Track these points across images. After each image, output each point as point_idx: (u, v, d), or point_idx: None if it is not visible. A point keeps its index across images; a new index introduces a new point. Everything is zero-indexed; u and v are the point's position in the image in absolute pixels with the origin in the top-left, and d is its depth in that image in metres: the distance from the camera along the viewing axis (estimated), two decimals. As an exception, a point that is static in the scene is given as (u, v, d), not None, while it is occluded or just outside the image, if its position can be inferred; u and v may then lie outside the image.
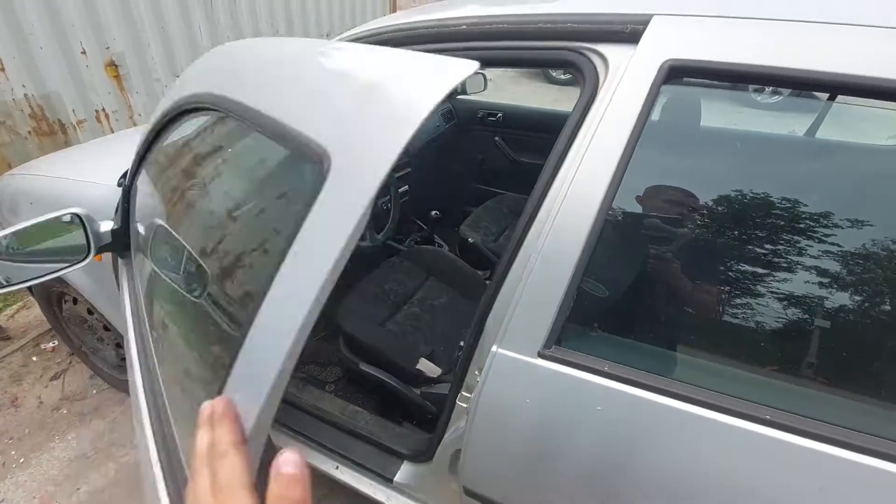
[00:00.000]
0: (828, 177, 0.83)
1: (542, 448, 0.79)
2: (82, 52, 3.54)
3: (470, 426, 0.82)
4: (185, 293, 0.69)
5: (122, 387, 1.89)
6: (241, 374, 0.44)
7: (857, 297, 0.68)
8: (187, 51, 4.43)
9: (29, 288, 1.80)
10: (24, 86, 3.15)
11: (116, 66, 3.88)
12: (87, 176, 1.50)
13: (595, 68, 0.72)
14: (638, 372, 0.71)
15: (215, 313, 0.60)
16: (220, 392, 0.45)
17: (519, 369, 0.78)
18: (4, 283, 0.91)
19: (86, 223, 0.97)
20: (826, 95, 1.20)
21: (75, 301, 1.70)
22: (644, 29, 0.69)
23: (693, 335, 0.80)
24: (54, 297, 1.75)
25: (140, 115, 4.13)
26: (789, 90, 1.07)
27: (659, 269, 0.83)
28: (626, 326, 0.84)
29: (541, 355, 0.77)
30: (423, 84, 0.37)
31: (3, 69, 3.02)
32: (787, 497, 0.63)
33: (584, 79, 0.72)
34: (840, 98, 1.17)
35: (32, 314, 2.33)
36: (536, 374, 0.77)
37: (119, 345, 1.72)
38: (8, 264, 0.90)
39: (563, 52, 0.74)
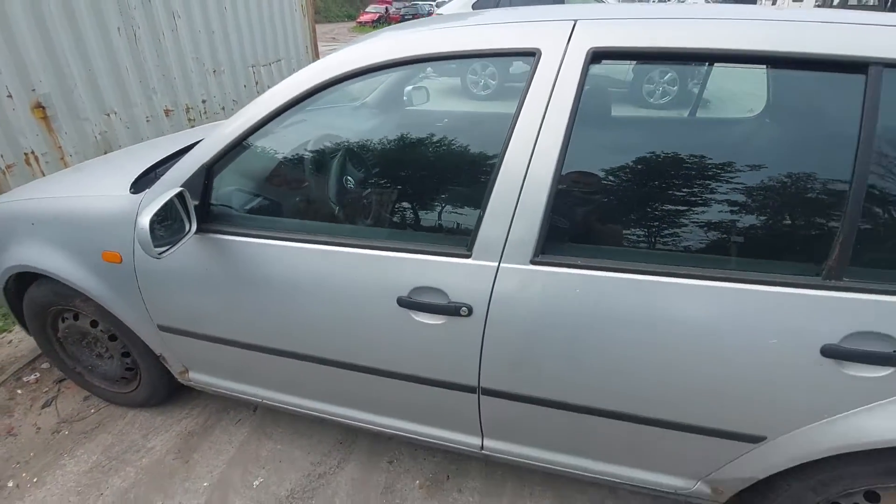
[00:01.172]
0: (693, 136, 1.25)
1: (540, 323, 1.11)
2: (8, 96, 3.48)
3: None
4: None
5: (123, 401, 1.96)
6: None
7: (700, 203, 1.08)
8: (115, 89, 4.42)
9: (18, 316, 1.85)
10: (-52, 132, 3.05)
11: (44, 108, 3.82)
12: (84, 191, 1.62)
13: (542, 55, 1.07)
14: (593, 261, 1.07)
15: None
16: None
17: (519, 272, 1.10)
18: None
19: (187, 200, 1.16)
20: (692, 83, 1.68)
21: (76, 317, 1.77)
22: (572, 31, 1.06)
23: (620, 235, 1.16)
24: (50, 317, 1.80)
25: (71, 155, 4.05)
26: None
27: (596, 200, 1.19)
28: (583, 237, 1.19)
29: (532, 262, 1.10)
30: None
31: (-79, 116, 2.92)
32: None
33: (539, 60, 1.07)
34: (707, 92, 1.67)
35: (8, 350, 2.29)
36: (530, 275, 1.09)
37: (125, 353, 1.81)
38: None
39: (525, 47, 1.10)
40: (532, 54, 1.08)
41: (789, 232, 1.05)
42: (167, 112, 5.04)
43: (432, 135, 1.46)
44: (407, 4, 30.40)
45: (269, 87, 5.25)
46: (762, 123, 1.53)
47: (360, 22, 25.89)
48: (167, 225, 1.23)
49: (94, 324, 1.77)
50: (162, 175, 1.45)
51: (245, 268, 1.33)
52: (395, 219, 1.39)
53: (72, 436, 1.87)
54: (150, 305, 1.52)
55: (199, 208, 1.32)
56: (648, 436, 1.18)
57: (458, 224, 1.25)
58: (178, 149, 1.92)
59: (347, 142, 1.58)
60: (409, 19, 26.14)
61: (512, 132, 1.08)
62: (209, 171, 1.32)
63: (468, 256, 1.14)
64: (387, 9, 26.64)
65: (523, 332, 1.14)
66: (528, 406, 1.24)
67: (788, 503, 1.20)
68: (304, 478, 1.69)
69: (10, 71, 3.43)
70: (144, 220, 1.13)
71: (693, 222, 1.09)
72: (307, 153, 1.52)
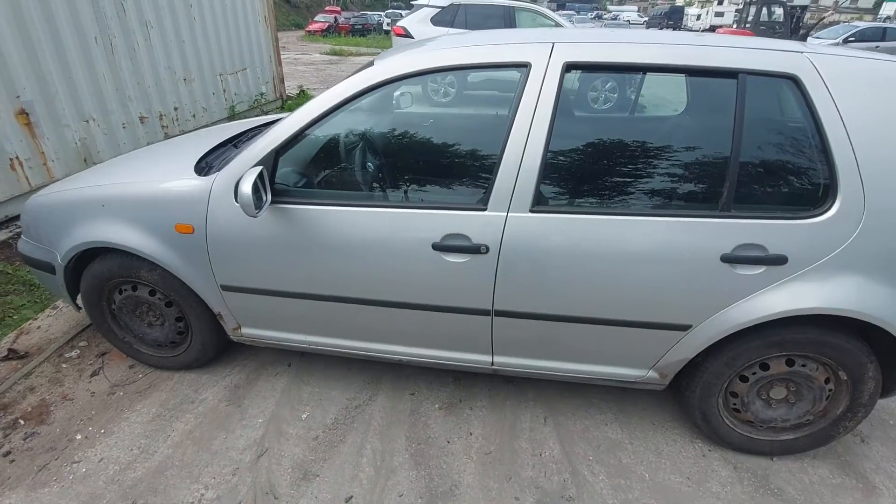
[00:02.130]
0: (635, 127, 1.77)
1: (537, 254, 1.58)
2: None
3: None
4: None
5: (170, 364, 2.24)
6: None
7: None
8: (93, 97, 4.57)
9: (71, 294, 2.11)
10: (-63, 139, 3.17)
11: (27, 115, 3.94)
12: (148, 177, 1.94)
13: (533, 67, 1.55)
14: (570, 208, 1.56)
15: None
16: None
17: (522, 218, 1.56)
18: None
19: (264, 176, 1.53)
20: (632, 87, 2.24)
21: (135, 287, 2.06)
22: (552, 50, 1.55)
23: (589, 191, 1.65)
24: (108, 290, 2.07)
25: (53, 160, 4.18)
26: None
27: (571, 169, 1.67)
28: (564, 194, 1.66)
29: (530, 211, 1.56)
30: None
31: (-85, 122, 3.04)
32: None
33: (530, 71, 1.54)
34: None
35: (39, 334, 2.49)
36: (529, 220, 1.56)
37: (179, 318, 2.10)
38: None
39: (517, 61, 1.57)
40: (525, 66, 1.56)
41: (699, 184, 1.58)
42: (142, 119, 5.19)
43: (450, 127, 1.91)
44: (356, 14, 30.71)
45: (235, 95, 5.62)
46: (683, 117, 2.09)
47: (308, 31, 25.88)
48: (260, 196, 1.60)
49: (152, 293, 2.06)
50: (225, 161, 1.81)
51: (305, 230, 1.71)
52: (429, 186, 1.81)
53: (127, 396, 2.14)
54: (216, 268, 1.85)
55: (271, 183, 1.69)
56: (615, 335, 1.67)
57: (476, 187, 1.68)
58: (214, 144, 2.25)
59: (384, 132, 2.01)
60: (359, 29, 26.46)
61: (513, 119, 1.55)
62: (278, 153, 1.69)
63: (484, 210, 1.59)
64: (336, 18, 26.81)
65: (525, 263, 1.60)
66: (528, 321, 1.70)
67: (711, 378, 1.72)
68: (343, 409, 2.06)
69: None
70: (247, 189, 1.50)
71: (638, 181, 1.61)
72: (350, 141, 1.93)
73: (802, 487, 1.76)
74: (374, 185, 1.90)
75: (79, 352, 2.39)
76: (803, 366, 1.66)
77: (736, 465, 1.84)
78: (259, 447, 1.89)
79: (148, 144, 4.54)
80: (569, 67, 1.54)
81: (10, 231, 3.79)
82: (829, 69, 1.45)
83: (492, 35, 1.77)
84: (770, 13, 15.99)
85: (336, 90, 1.68)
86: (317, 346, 2.00)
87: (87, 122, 4.50)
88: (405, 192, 1.84)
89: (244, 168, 1.70)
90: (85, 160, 4.43)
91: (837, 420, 1.73)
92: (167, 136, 5.48)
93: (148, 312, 2.14)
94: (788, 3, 15.62)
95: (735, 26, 17.40)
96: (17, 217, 3.88)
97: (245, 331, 2.05)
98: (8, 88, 3.71)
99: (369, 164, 1.89)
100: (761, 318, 1.52)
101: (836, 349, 1.57)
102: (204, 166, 1.96)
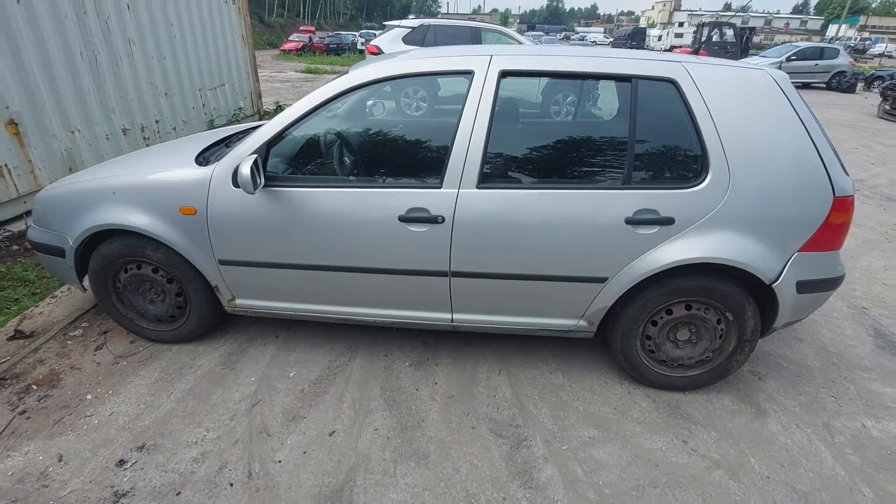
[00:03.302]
0: (558, 124, 2.19)
1: (482, 223, 1.95)
2: None
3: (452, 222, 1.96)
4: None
5: (168, 337, 2.51)
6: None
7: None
8: (79, 109, 4.82)
9: (80, 275, 2.38)
10: (-71, 147, 3.38)
11: (16, 125, 4.16)
12: (153, 169, 2.25)
13: (475, 74, 1.95)
14: (506, 185, 1.95)
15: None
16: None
17: (470, 193, 1.94)
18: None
19: (258, 163, 1.87)
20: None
21: (139, 266, 2.34)
22: (490, 61, 1.96)
23: (524, 171, 2.05)
24: (114, 269, 2.35)
25: (40, 169, 4.40)
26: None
27: (508, 154, 2.07)
28: (502, 175, 2.05)
29: (477, 187, 1.95)
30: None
31: None
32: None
33: (473, 77, 1.94)
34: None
35: (42, 319, 2.72)
36: (476, 194, 1.94)
37: (179, 293, 2.39)
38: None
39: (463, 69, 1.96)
40: (470, 73, 1.97)
41: (606, 163, 1.99)
42: (125, 131, 5.44)
43: (413, 126, 2.29)
44: (331, 34, 31.27)
45: (214, 109, 6.02)
46: (602, 116, 2.54)
47: (283, 50, 26.27)
48: (255, 178, 1.93)
49: (154, 270, 2.35)
50: (221, 155, 2.14)
51: (292, 208, 2.05)
52: (395, 171, 2.18)
53: (130, 365, 2.40)
54: (215, 244, 2.16)
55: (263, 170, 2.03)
56: (549, 289, 2.05)
57: (432, 170, 2.05)
58: (208, 144, 2.58)
59: (359, 131, 2.39)
60: (333, 48, 26.99)
61: (461, 115, 1.94)
62: (269, 145, 2.04)
63: (440, 187, 1.97)
64: (310, 38, 27.31)
65: (474, 229, 1.97)
66: (479, 280, 2.07)
67: (628, 322, 2.12)
68: (326, 368, 2.38)
69: None
70: (246, 171, 1.84)
71: (560, 162, 2.02)
72: (330, 137, 2.29)
73: (707, 413, 2.16)
74: (351, 170, 2.26)
75: (82, 331, 2.63)
76: (699, 309, 2.07)
77: (654, 398, 2.23)
78: (252, 398, 2.18)
79: (133, 153, 4.77)
80: (504, 74, 1.95)
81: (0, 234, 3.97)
82: (700, 74, 1.90)
83: (444, 49, 2.18)
84: (722, 34, 17.25)
85: (317, 93, 2.04)
86: (302, 312, 2.32)
87: (73, 132, 4.73)
88: (376, 175, 2.20)
89: (241, 158, 2.03)
90: (70, 168, 4.64)
91: (731, 355, 2.14)
92: (148, 147, 5.72)
93: (150, 290, 2.42)
94: (738, 25, 16.89)
95: (692, 46, 18.61)
96: (6, 222, 4.07)
97: (239, 302, 2.35)
98: (-1, 99, 3.93)
99: (347, 154, 2.26)
100: (659, 268, 1.93)
101: (721, 294, 1.99)
102: (202, 160, 2.28)
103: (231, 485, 1.77)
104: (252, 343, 2.56)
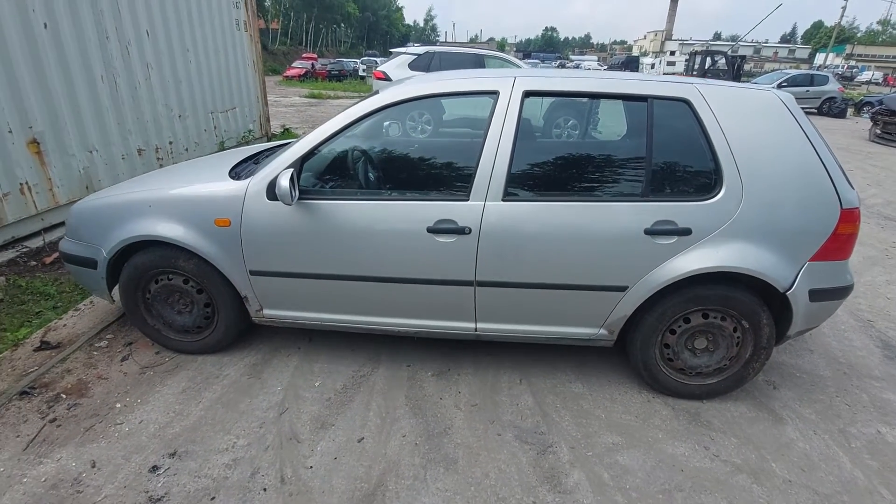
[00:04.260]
0: (581, 146, 2.32)
1: (508, 234, 2.04)
2: (9, 132, 3.95)
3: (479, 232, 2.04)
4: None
5: (194, 348, 2.56)
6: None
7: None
8: (97, 130, 4.96)
9: (109, 286, 2.45)
10: (-44, 162, 3.47)
11: (38, 144, 4.27)
12: (188, 184, 2.34)
13: (500, 94, 2.07)
14: (530, 196, 2.05)
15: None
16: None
17: (496, 206, 2.04)
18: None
19: (293, 177, 1.96)
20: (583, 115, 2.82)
21: (170, 277, 2.41)
22: (514, 82, 2.08)
23: (546, 186, 2.15)
24: (145, 280, 2.41)
25: (58, 187, 4.49)
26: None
27: (531, 170, 2.18)
28: (528, 188, 2.15)
29: (502, 200, 2.05)
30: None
31: (-62, 149, 3.35)
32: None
33: (499, 97, 2.06)
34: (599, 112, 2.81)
35: (67, 330, 2.76)
36: (502, 207, 2.04)
37: (207, 304, 2.45)
38: None
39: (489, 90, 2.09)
40: (495, 93, 2.09)
41: (627, 178, 2.10)
42: (140, 151, 5.56)
43: (436, 144, 2.40)
44: (333, 61, 32.02)
45: (225, 131, 6.23)
46: (617, 135, 2.66)
47: (286, 76, 26.86)
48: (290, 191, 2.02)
49: (185, 281, 2.41)
50: (253, 171, 2.24)
51: (324, 220, 2.13)
52: (423, 183, 2.29)
53: (157, 375, 2.44)
54: (247, 255, 2.24)
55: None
56: (572, 297, 2.13)
57: (460, 184, 2.14)
58: (237, 161, 2.68)
59: (389, 149, 2.51)
60: (335, 74, 27.59)
61: (487, 131, 2.05)
62: (303, 160, 2.14)
63: (467, 200, 2.06)
64: (313, 65, 27.95)
65: (500, 239, 2.06)
66: (504, 289, 2.14)
67: (647, 331, 2.18)
68: (350, 378, 2.42)
69: (11, 109, 3.94)
70: (285, 183, 1.94)
71: (584, 177, 2.12)
72: (363, 154, 2.40)
73: (725, 420, 2.21)
74: (381, 184, 2.36)
75: (107, 342, 2.67)
76: (715, 318, 2.14)
77: (674, 406, 2.28)
78: (280, 407, 2.22)
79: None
80: (527, 94, 2.08)
81: (17, 250, 4.03)
82: (712, 95, 2.02)
83: (467, 72, 2.32)
84: (714, 62, 17.80)
85: (349, 111, 2.16)
86: (329, 322, 2.38)
87: (91, 152, 4.84)
88: (405, 189, 2.30)
89: (276, 171, 2.13)
90: (87, 187, 4.74)
91: (747, 363, 2.21)
92: (162, 167, 5.85)
93: (179, 300, 2.48)
94: (729, 54, 17.46)
95: (685, 74, 19.19)
96: (25, 238, 4.14)
97: (267, 312, 2.41)
98: (23, 120, 4.06)
99: (376, 169, 2.36)
100: (677, 277, 2.01)
101: (737, 302, 2.07)
102: (234, 175, 2.38)
103: (265, 489, 1.80)
104: (276, 354, 2.61)
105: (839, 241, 2.01)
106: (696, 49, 19.29)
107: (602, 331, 2.23)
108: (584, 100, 2.94)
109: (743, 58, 18.10)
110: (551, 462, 1.95)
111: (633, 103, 2.12)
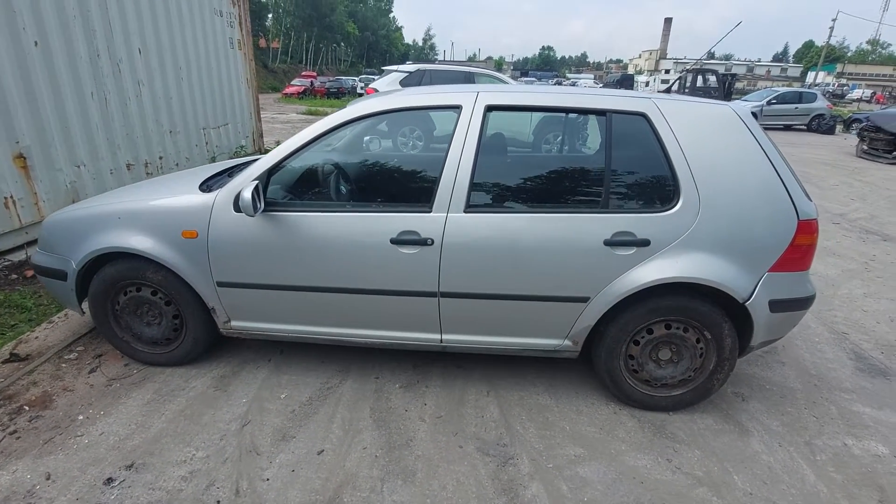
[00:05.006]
0: (543, 156, 2.35)
1: (470, 245, 2.06)
2: None
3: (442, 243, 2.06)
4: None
5: (163, 360, 2.55)
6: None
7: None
8: (85, 145, 5.00)
9: (79, 298, 2.45)
10: (-59, 176, 3.50)
11: (24, 158, 4.31)
12: (159, 196, 2.37)
13: (463, 108, 2.11)
14: (492, 209, 2.08)
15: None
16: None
17: (458, 217, 2.06)
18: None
19: (259, 189, 1.98)
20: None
21: (139, 289, 2.41)
22: (477, 97, 2.13)
23: (507, 198, 2.18)
24: (114, 292, 2.42)
25: (44, 201, 4.52)
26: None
27: (493, 182, 2.21)
28: (487, 200, 2.17)
29: (464, 212, 2.07)
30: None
31: (-76, 161, 3.38)
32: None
33: (461, 111, 2.10)
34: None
35: (38, 343, 2.76)
36: (463, 218, 2.06)
37: (175, 315, 2.45)
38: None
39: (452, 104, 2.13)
40: (458, 107, 2.13)
41: (587, 190, 2.13)
42: (129, 166, 5.61)
43: (403, 157, 2.43)
44: (331, 79, 32.48)
45: (217, 147, 6.29)
46: (585, 153, 2.70)
47: (285, 94, 27.22)
48: (256, 203, 2.05)
49: (153, 293, 2.42)
50: (223, 183, 2.27)
51: (290, 231, 2.15)
52: (387, 196, 2.31)
53: (123, 387, 2.42)
54: (214, 266, 2.25)
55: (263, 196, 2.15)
56: (535, 308, 2.14)
57: (423, 195, 2.17)
58: (211, 174, 2.71)
59: (356, 161, 2.53)
60: (334, 91, 27.97)
61: (450, 144, 2.09)
62: (270, 173, 2.17)
63: (430, 211, 2.09)
64: (312, 82, 28.35)
65: (462, 250, 2.08)
66: (467, 301, 2.15)
67: (611, 342, 2.19)
68: (317, 390, 2.41)
69: None
70: (248, 195, 1.96)
71: (545, 189, 2.15)
72: (328, 167, 2.43)
73: (691, 432, 2.20)
74: (346, 197, 2.39)
75: (76, 354, 2.67)
76: (678, 328, 2.15)
77: (640, 419, 2.27)
78: (243, 419, 2.21)
79: (136, 186, 4.91)
80: (489, 108, 2.12)
81: None
82: (669, 109, 2.06)
83: (435, 87, 2.36)
84: (705, 80, 18.08)
85: (315, 126, 2.20)
86: (296, 333, 2.38)
87: (79, 167, 4.89)
88: (370, 201, 2.32)
89: (243, 184, 2.16)
90: (73, 201, 4.76)
91: (711, 374, 2.20)
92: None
93: (147, 312, 2.48)
94: (721, 72, 17.75)
95: (676, 91, 19.46)
96: (7, 252, 4.15)
97: (234, 324, 2.41)
98: (9, 134, 4.11)
99: (342, 182, 2.40)
100: (637, 287, 2.02)
101: (698, 313, 2.08)
102: (205, 188, 2.41)
103: (218, 502, 1.78)
104: (245, 366, 2.60)
105: (798, 252, 2.03)
106: (687, 67, 19.59)
107: (566, 342, 2.23)
108: (573, 116, 3.00)
109: (734, 76, 18.40)
110: (511, 474, 1.93)
111: (597, 118, 2.16)
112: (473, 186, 2.08)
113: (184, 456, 1.99)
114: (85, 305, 2.54)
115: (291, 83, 29.17)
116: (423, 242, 2.07)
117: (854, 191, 7.60)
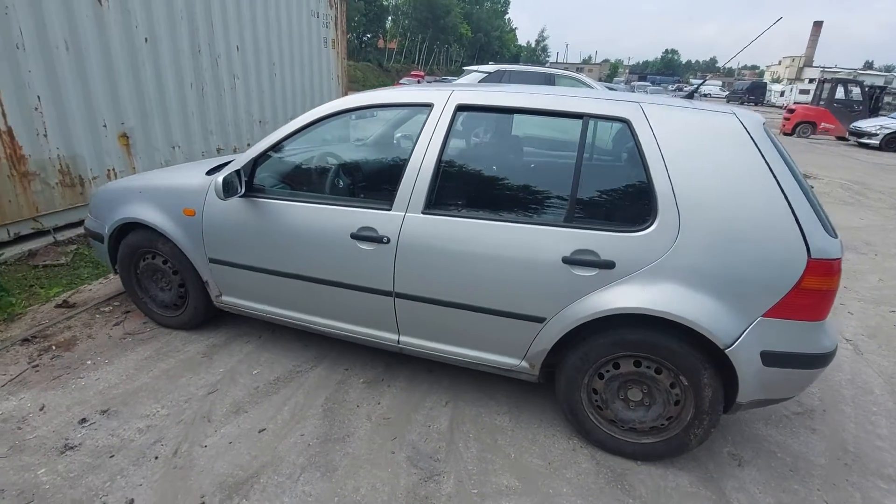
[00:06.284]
0: (507, 159, 2.20)
1: (426, 247, 1.99)
2: (104, 126, 4.65)
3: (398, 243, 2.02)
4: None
5: (171, 323, 2.83)
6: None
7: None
8: (182, 130, 5.65)
9: (113, 262, 2.80)
10: (58, 148, 4.18)
11: (127, 137, 5.00)
12: (178, 176, 2.63)
13: (434, 106, 2.04)
14: (451, 212, 1.97)
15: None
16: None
17: (416, 217, 2.00)
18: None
19: (241, 176, 2.12)
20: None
21: (153, 256, 2.71)
22: (450, 95, 2.04)
23: (468, 201, 2.06)
24: (136, 257, 2.74)
25: None
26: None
27: (456, 184, 2.10)
28: (448, 202, 2.08)
29: (423, 213, 2.01)
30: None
31: (46, 136, 4.07)
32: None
33: (432, 109, 2.04)
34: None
35: (88, 294, 3.22)
36: (421, 219, 2.00)
37: (181, 284, 2.71)
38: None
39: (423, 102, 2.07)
40: (430, 105, 2.07)
41: (552, 204, 1.94)
42: (219, 150, 6.27)
43: (375, 150, 2.44)
44: (438, 78, 33.46)
45: None
46: (556, 160, 2.47)
47: (392, 92, 28.61)
48: (234, 188, 2.19)
49: (164, 262, 2.70)
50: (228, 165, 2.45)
51: (263, 217, 2.26)
52: (354, 189, 2.33)
53: (133, 342, 2.74)
54: (206, 243, 2.44)
55: (247, 183, 2.28)
56: (488, 322, 2.00)
57: (384, 192, 2.14)
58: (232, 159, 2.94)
59: (328, 155, 2.59)
60: (436, 92, 28.77)
61: (415, 144, 2.04)
62: (255, 161, 2.30)
63: (390, 209, 2.06)
64: (419, 81, 29.49)
65: (417, 252, 2.01)
66: (421, 304, 2.08)
67: (571, 371, 1.98)
68: (287, 373, 2.51)
69: (108, 107, 4.64)
70: (219, 180, 2.11)
71: (505, 196, 2.01)
72: (303, 159, 2.52)
73: (655, 489, 1.91)
74: (318, 188, 2.45)
75: (111, 308, 3.07)
76: (648, 367, 1.87)
77: (600, 461, 2.02)
78: (212, 387, 2.37)
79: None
80: (460, 108, 2.03)
81: (98, 225, 4.75)
82: (657, 116, 1.80)
83: (411, 87, 2.33)
84: (847, 92, 15.50)
85: (296, 120, 2.28)
86: (272, 315, 2.49)
87: (174, 148, 5.58)
88: (340, 194, 2.36)
89: (231, 170, 2.31)
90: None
91: (688, 427, 1.89)
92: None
93: (161, 279, 2.78)
94: (866, 84, 15.09)
95: (811, 104, 16.93)
96: (105, 215, 4.89)
97: (224, 298, 2.60)
98: (117, 116, 4.81)
99: (319, 174, 2.46)
100: (596, 314, 1.80)
101: (669, 352, 1.80)
102: (212, 171, 2.62)
103: (156, 458, 1.94)
104: (236, 339, 2.79)
105: (806, 298, 1.66)
106: (825, 77, 16.95)
107: (523, 363, 2.06)
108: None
109: (883, 88, 15.53)
110: (429, 491, 1.84)
111: (568, 120, 1.96)
112: (435, 187, 2.01)
113: (150, 410, 2.20)
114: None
115: (399, 81, 30.60)
116: (380, 240, 2.05)
117: None
